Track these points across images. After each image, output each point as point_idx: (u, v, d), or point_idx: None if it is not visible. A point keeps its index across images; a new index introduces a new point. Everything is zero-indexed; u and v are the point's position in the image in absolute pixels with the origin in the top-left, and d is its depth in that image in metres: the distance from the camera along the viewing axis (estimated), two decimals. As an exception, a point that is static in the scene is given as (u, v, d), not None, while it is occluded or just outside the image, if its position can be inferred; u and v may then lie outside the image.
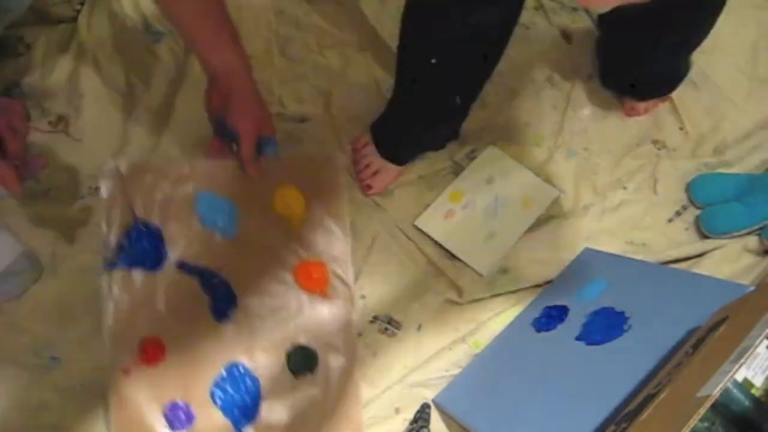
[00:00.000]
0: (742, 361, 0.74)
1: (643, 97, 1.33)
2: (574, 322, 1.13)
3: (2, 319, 1.19)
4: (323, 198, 1.15)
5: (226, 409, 1.05)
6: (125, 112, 1.35)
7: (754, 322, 0.77)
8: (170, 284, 1.07)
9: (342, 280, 1.14)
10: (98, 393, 1.13)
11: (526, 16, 1.41)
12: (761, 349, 0.75)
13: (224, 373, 1.06)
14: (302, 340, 1.08)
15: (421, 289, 1.23)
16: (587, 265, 1.26)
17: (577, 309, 1.15)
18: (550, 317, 1.18)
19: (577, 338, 1.09)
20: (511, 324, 1.22)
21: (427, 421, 1.12)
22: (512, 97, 1.37)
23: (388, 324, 1.20)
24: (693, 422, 0.71)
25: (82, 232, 1.26)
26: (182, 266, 1.08)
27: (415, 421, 1.13)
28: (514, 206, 1.28)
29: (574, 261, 1.27)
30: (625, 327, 1.05)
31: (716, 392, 0.72)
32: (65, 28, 1.42)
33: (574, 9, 1.45)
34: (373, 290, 1.22)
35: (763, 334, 0.74)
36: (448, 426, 1.14)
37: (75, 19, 1.43)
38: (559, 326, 1.15)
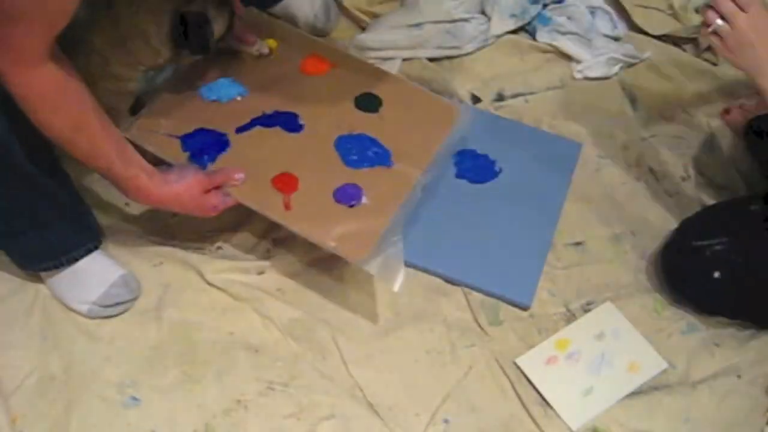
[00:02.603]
0: None
1: None
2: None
3: (100, 348, 1.23)
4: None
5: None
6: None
7: None
8: (246, 144, 1.19)
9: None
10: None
11: (671, 183, 1.40)
12: None
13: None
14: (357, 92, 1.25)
15: (506, 428, 1.19)
16: None
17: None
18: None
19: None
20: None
21: None
22: (639, 257, 1.35)
23: (466, 454, 1.16)
24: None
25: (191, 283, 1.30)
26: (240, 130, 1.20)
27: None
28: (620, 368, 1.24)
29: None
30: (497, 170, 1.41)
31: None
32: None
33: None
34: (458, 417, 1.19)
35: None
36: None
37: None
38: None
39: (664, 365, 1.25)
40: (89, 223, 1.26)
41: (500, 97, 1.56)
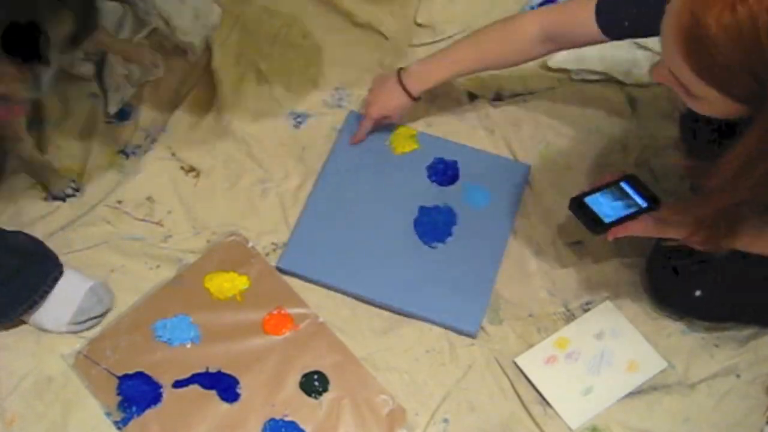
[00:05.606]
0: None
1: None
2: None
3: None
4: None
5: None
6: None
7: None
8: (177, 403, 1.17)
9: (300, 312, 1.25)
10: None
11: (671, 183, 1.40)
12: None
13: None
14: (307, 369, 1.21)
15: (506, 427, 1.19)
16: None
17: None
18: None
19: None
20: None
21: None
22: (639, 257, 1.34)
23: (466, 455, 1.16)
24: None
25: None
26: (178, 384, 1.19)
27: None
28: (619, 367, 1.24)
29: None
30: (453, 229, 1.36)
31: None
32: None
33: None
34: (458, 417, 1.19)
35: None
36: None
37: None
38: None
39: (664, 365, 1.25)
40: (47, 253, 1.24)
41: (498, 97, 1.56)
